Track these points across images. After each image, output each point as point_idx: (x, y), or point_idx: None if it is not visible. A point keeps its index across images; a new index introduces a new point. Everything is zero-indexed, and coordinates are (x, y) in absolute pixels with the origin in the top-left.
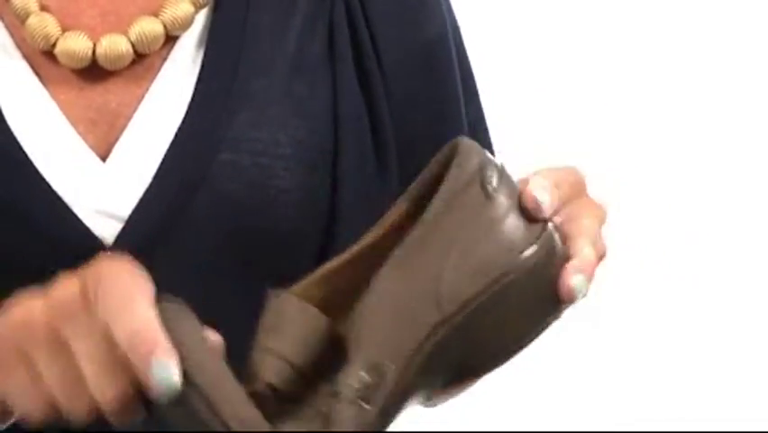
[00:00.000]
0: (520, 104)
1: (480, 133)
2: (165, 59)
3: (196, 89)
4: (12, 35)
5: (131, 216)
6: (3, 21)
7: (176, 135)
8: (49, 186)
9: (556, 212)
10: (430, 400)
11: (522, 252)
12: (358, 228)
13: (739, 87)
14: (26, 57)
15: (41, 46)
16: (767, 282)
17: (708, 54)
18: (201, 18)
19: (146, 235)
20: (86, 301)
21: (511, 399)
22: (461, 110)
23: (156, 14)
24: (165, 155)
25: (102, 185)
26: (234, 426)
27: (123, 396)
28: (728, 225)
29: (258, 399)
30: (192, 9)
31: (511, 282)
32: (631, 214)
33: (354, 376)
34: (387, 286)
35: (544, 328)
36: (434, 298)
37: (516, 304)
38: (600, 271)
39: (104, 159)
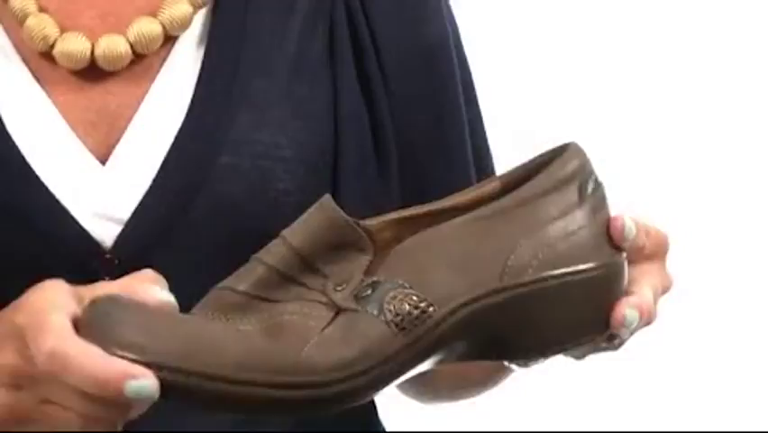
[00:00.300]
0: (518, 108)
1: (478, 137)
2: (164, 59)
3: (195, 90)
4: (10, 37)
5: (130, 219)
6: (1, 23)
7: (176, 138)
8: (47, 189)
9: (634, 251)
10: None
11: (587, 262)
12: None
13: (739, 88)
14: (24, 59)
15: (39, 47)
16: (767, 282)
17: (708, 55)
18: (200, 18)
19: (145, 238)
20: (30, 363)
21: (511, 399)
22: (462, 113)
23: (154, 15)
24: (165, 158)
25: (101, 188)
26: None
27: (123, 413)
28: (728, 225)
29: (258, 285)
30: (191, 9)
31: (568, 284)
32: (631, 215)
33: (396, 301)
34: (460, 235)
35: (580, 344)
36: (501, 266)
37: (566, 307)
38: None
39: (103, 161)
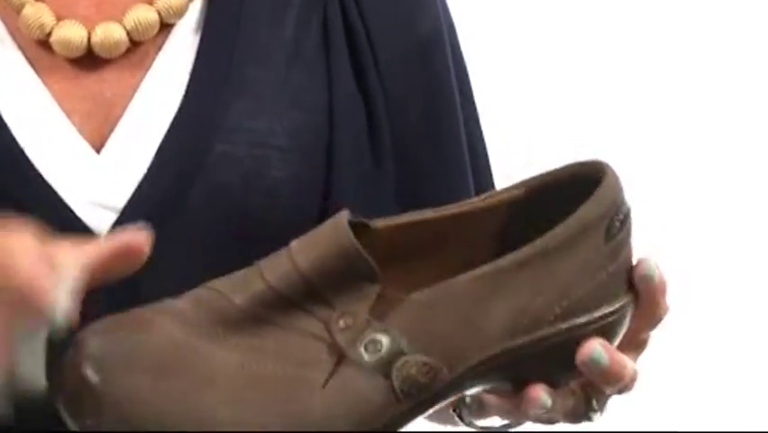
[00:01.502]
0: (515, 103)
1: (473, 134)
2: (160, 47)
3: (191, 78)
4: (6, 26)
5: (125, 208)
6: None
7: (171, 126)
8: (43, 178)
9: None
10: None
11: (602, 308)
12: None
13: (739, 88)
14: (20, 47)
15: (36, 35)
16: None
17: (708, 55)
18: (196, 6)
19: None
20: None
21: None
22: (457, 108)
23: (150, 2)
24: (160, 146)
25: (96, 176)
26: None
27: None
28: (728, 225)
29: (257, 299)
30: None
31: (581, 334)
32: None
33: (408, 367)
34: (476, 288)
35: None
36: (517, 321)
37: (574, 350)
38: None
39: (98, 150)
